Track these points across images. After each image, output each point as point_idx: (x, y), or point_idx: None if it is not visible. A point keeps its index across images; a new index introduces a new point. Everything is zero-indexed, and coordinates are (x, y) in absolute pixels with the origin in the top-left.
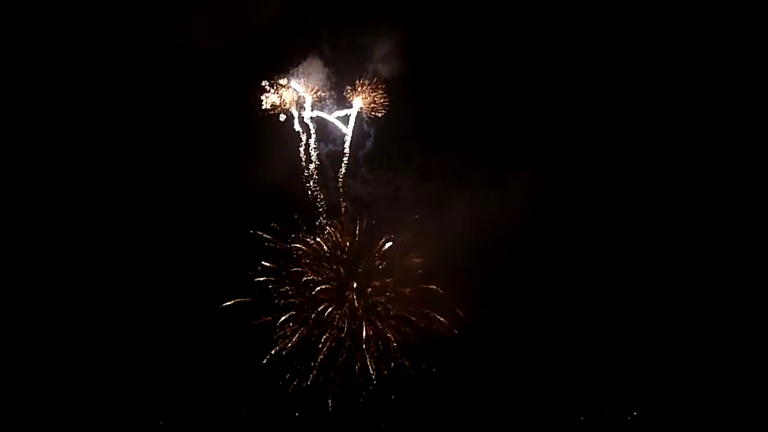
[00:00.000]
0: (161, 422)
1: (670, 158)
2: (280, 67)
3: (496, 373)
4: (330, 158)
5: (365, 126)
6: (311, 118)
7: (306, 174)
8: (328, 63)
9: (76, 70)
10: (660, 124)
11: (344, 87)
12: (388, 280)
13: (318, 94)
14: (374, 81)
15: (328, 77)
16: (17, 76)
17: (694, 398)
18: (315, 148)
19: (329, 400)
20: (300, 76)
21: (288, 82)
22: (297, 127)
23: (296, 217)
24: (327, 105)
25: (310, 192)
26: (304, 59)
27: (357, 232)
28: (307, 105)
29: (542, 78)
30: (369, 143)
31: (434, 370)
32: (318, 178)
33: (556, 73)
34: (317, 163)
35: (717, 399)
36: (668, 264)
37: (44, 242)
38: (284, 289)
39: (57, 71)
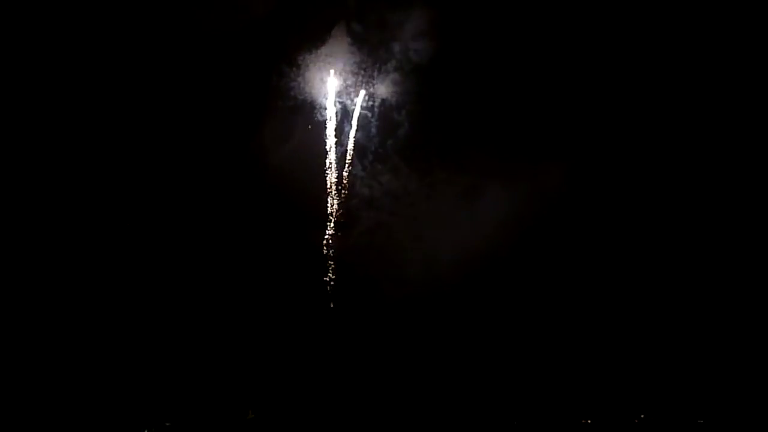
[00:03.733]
0: (168, 423)
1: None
2: (302, 46)
3: (501, 373)
4: (357, 147)
5: (395, 114)
6: (336, 102)
7: (329, 164)
8: (355, 41)
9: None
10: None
11: (372, 68)
12: None
13: (343, 76)
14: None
15: (355, 59)
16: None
17: (702, 401)
18: (334, 136)
19: None
20: (324, 56)
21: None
22: (321, 113)
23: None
24: (353, 88)
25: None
26: (329, 36)
27: None
28: (331, 88)
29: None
30: (400, 132)
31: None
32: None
33: (596, 61)
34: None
35: (726, 401)
36: (680, 264)
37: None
38: None
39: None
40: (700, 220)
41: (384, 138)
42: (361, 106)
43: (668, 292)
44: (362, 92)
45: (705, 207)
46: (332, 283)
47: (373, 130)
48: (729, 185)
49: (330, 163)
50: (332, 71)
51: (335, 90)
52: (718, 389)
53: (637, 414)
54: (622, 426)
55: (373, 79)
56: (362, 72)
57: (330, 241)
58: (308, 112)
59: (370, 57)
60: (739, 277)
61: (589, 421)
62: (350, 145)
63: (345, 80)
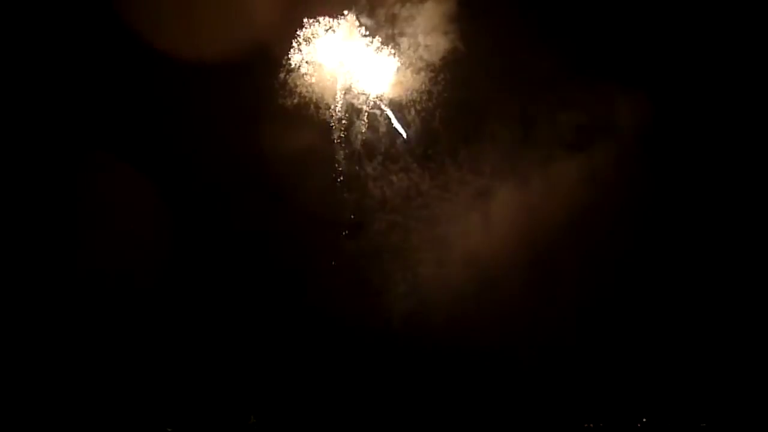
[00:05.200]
0: (169, 429)
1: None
2: (310, 42)
3: (501, 377)
4: (367, 146)
5: (406, 112)
6: (345, 100)
7: (338, 164)
8: (364, 37)
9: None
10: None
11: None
12: None
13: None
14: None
15: (365, 56)
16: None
17: (705, 404)
18: (343, 136)
19: None
20: (332, 52)
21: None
22: (329, 112)
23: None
24: (362, 86)
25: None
26: (338, 32)
27: None
28: (340, 86)
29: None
30: (411, 131)
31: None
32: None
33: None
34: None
35: (730, 405)
36: (679, 263)
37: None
38: None
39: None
40: (704, 224)
41: (394, 137)
42: (371, 105)
43: (671, 294)
44: (372, 90)
45: (710, 210)
46: (343, 286)
47: (383, 129)
48: (733, 185)
49: (340, 164)
50: (341, 69)
51: (344, 88)
52: (720, 393)
53: (639, 418)
54: (625, 430)
55: (383, 77)
56: (372, 69)
57: (341, 243)
58: (316, 110)
59: (380, 53)
60: (740, 279)
61: (591, 425)
62: (360, 145)
63: (354, 78)
